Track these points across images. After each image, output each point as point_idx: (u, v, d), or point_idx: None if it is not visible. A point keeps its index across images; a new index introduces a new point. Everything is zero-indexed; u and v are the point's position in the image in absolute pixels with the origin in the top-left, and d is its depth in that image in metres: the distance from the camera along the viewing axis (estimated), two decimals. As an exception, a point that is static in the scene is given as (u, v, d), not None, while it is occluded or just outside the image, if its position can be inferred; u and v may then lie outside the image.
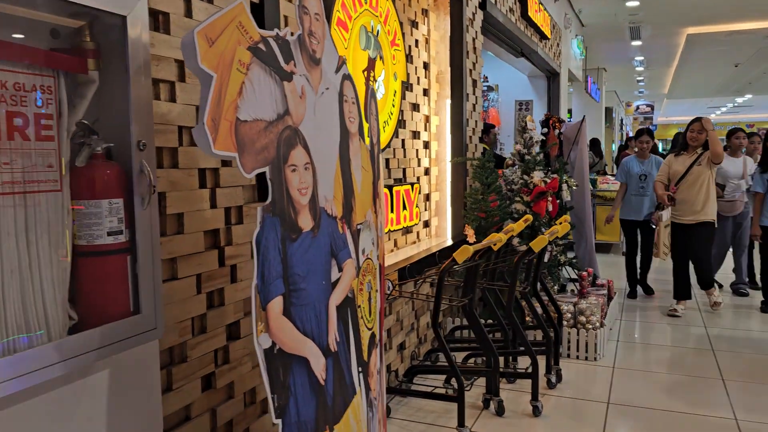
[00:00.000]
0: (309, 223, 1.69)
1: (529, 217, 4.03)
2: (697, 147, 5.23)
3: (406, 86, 4.20)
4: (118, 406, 1.50)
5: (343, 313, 1.84)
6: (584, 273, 4.58)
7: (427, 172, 4.56)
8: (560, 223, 4.01)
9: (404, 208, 4.10)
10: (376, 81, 3.75)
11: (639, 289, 6.28)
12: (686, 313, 5.45)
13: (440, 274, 2.94)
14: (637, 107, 23.48)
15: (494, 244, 3.16)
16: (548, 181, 4.46)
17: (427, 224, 4.60)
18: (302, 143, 1.69)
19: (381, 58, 3.80)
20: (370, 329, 2.07)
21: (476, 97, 5.11)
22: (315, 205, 1.72)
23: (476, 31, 5.09)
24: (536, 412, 3.28)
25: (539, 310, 3.91)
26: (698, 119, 5.25)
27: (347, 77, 2.00)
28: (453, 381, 3.55)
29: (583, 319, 4.21)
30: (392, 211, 3.94)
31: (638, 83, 19.26)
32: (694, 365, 4.17)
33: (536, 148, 4.95)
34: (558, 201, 4.66)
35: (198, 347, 2.05)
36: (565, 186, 4.71)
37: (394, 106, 3.98)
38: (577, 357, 4.19)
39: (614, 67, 15.90)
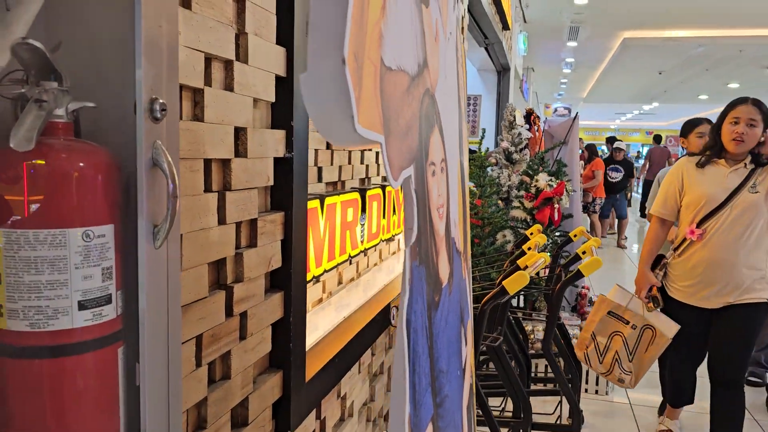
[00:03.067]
0: (446, 270, 0.94)
1: (539, 226, 3.42)
2: (743, 155, 2.69)
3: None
4: None
5: (470, 415, 1.10)
6: (583, 290, 4.05)
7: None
8: (575, 236, 3.43)
9: (394, 211, 3.37)
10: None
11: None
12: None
13: (483, 306, 2.25)
14: (555, 109, 23.82)
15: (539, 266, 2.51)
16: (554, 185, 3.87)
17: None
18: (438, 123, 0.93)
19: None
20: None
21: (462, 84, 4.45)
22: (449, 235, 0.98)
23: (464, 8, 4.42)
24: (575, 473, 2.67)
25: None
26: (746, 100, 2.69)
27: (458, 22, 1.26)
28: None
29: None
30: (384, 215, 3.19)
31: (560, 85, 19.46)
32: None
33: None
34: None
35: (192, 456, 1.24)
36: (564, 191, 4.16)
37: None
38: (586, 390, 3.63)
39: (542, 67, 15.87)
